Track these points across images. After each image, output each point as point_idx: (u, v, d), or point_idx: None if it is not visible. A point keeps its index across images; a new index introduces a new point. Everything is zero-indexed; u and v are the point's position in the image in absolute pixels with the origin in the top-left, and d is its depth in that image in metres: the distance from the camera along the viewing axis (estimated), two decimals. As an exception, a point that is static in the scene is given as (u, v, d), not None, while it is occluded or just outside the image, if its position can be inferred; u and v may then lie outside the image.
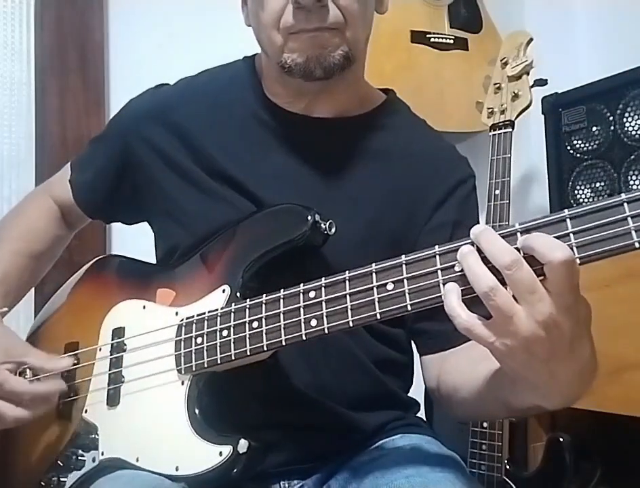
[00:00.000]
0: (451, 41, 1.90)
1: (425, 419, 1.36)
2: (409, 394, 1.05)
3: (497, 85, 1.63)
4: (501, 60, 1.64)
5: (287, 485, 0.93)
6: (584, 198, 1.72)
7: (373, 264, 0.73)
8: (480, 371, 0.78)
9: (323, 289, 0.77)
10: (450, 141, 1.07)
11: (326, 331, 0.75)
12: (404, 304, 0.70)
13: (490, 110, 1.64)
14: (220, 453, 0.81)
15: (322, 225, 0.84)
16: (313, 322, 0.76)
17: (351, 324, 0.74)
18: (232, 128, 0.97)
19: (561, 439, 1.47)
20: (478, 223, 0.99)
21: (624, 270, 1.45)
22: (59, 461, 0.94)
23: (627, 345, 1.45)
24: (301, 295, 0.78)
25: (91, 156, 1.10)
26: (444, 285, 0.67)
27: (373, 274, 0.73)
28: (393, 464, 0.86)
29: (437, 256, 0.69)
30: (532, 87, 1.62)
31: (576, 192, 1.73)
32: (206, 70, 1.05)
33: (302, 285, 0.79)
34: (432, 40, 1.88)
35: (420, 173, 0.97)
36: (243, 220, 0.91)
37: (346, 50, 0.88)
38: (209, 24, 1.73)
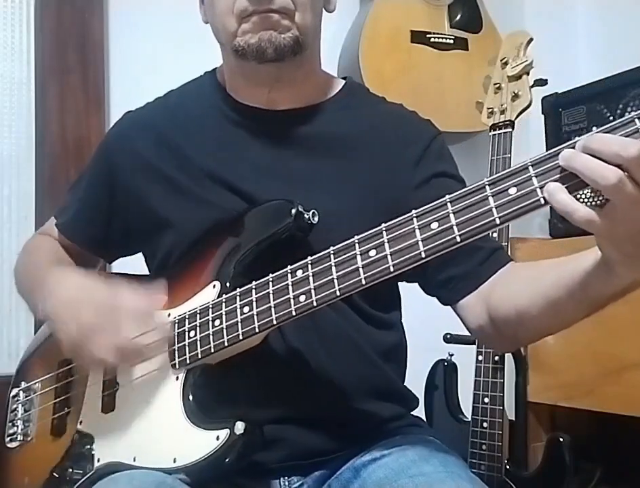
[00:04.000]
0: (451, 41, 1.91)
1: (425, 419, 1.36)
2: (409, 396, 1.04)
3: (497, 85, 1.63)
4: (501, 60, 1.63)
5: (287, 482, 0.92)
6: (584, 199, 1.71)
7: (356, 236, 0.76)
8: (550, 281, 0.79)
9: (309, 265, 0.79)
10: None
11: (315, 303, 0.77)
12: (387, 266, 0.73)
13: (490, 110, 1.63)
14: (217, 437, 0.81)
15: (305, 215, 0.87)
16: (302, 298, 0.78)
17: (338, 292, 0.76)
18: (208, 132, 1.01)
19: (561, 439, 1.47)
20: (458, 173, 1.02)
21: (624, 270, 1.45)
22: (54, 474, 0.95)
23: (627, 345, 1.45)
24: (289, 274, 0.80)
25: (73, 197, 1.11)
26: (422, 242, 0.70)
27: (356, 244, 0.75)
28: (396, 464, 0.87)
29: (414, 218, 0.72)
30: (532, 87, 1.62)
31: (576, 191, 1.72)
32: (173, 89, 1.10)
33: (289, 266, 0.81)
34: (432, 40, 1.88)
35: (392, 140, 1.00)
36: (230, 221, 0.93)
37: (296, 34, 0.94)
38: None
